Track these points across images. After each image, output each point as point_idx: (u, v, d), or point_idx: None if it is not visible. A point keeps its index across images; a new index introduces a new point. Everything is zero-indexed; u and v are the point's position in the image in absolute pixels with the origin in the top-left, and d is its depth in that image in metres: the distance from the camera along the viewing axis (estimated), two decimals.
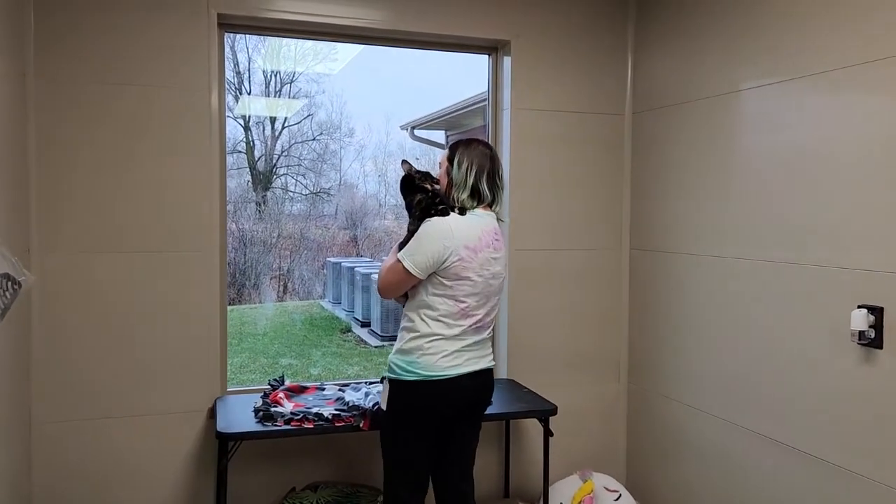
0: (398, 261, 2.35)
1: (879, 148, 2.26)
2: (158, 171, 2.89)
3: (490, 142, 3.41)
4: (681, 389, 3.20)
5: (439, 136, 9.42)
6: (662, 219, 3.33)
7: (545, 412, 3.01)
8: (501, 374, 3.45)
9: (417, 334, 2.38)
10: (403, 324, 2.46)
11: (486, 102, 3.55)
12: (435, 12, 3.22)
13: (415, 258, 2.32)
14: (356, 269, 9.08)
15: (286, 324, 8.86)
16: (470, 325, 2.39)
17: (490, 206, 2.46)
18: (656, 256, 3.37)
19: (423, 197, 2.41)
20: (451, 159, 2.46)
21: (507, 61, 3.42)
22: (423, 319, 2.39)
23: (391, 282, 2.40)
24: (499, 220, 2.50)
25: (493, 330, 2.55)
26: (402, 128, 9.06)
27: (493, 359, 2.55)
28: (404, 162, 2.46)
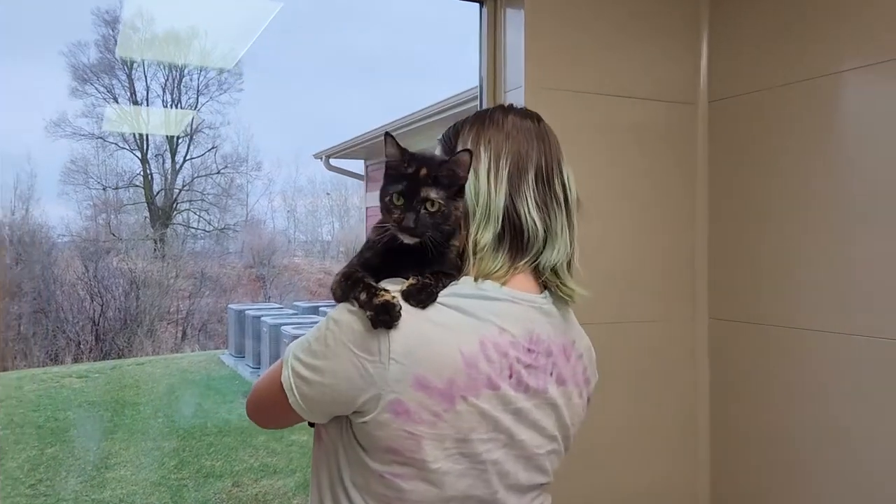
0: (282, 363, 0.98)
1: None
2: None
3: None
4: None
5: (358, 165, 9.03)
6: (759, 271, 2.18)
7: None
8: None
9: None
10: None
11: (478, 87, 2.26)
12: None
13: (303, 371, 0.94)
14: (263, 318, 7.88)
15: (176, 386, 7.29)
16: None
17: (543, 272, 1.05)
18: (751, 331, 2.25)
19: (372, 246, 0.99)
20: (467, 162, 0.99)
21: (513, 16, 2.15)
22: None
23: (261, 400, 1.03)
24: (561, 296, 1.09)
25: None
26: (317, 157, 8.80)
27: None
28: (387, 135, 0.96)
